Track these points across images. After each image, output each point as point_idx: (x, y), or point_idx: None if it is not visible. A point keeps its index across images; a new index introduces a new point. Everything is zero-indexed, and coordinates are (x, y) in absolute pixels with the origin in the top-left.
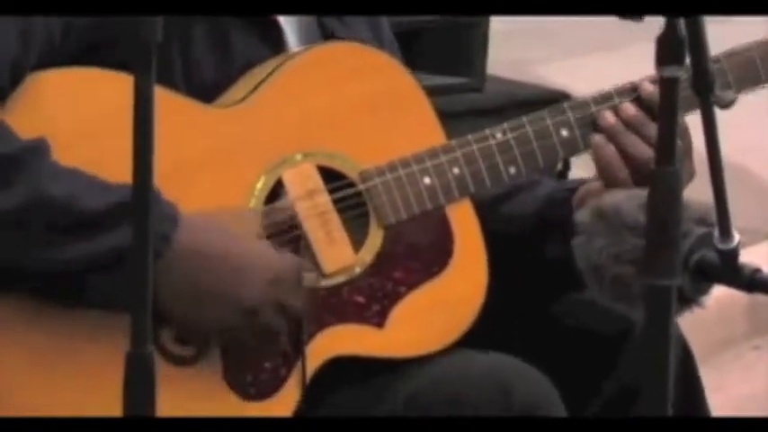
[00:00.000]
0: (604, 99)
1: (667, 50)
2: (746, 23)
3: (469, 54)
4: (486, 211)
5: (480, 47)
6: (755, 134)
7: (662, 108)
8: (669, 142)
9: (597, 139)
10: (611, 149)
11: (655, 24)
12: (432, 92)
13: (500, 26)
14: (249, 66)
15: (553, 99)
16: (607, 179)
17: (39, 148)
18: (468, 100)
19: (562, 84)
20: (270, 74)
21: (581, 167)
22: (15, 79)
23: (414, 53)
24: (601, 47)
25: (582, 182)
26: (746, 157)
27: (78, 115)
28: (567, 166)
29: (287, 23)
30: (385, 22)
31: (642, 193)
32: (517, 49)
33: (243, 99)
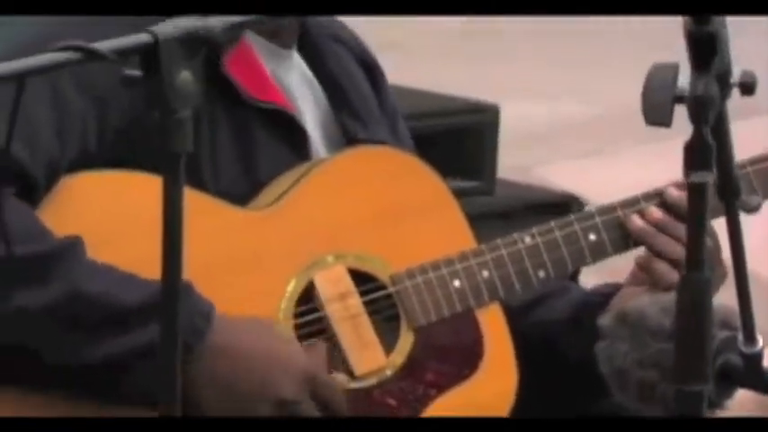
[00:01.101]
0: (631, 204)
1: (695, 156)
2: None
3: (480, 158)
4: (517, 315)
5: (490, 151)
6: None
7: (690, 213)
8: (698, 248)
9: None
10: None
11: (651, 131)
12: None
13: (503, 129)
14: (275, 170)
15: (562, 202)
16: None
17: (74, 246)
18: (479, 203)
19: (566, 186)
20: (299, 178)
21: (591, 272)
22: (50, 179)
23: (424, 157)
24: (600, 151)
25: (617, 287)
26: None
27: (111, 216)
28: (576, 270)
29: (311, 127)
30: (401, 122)
31: (665, 298)
32: (520, 153)
33: (273, 202)
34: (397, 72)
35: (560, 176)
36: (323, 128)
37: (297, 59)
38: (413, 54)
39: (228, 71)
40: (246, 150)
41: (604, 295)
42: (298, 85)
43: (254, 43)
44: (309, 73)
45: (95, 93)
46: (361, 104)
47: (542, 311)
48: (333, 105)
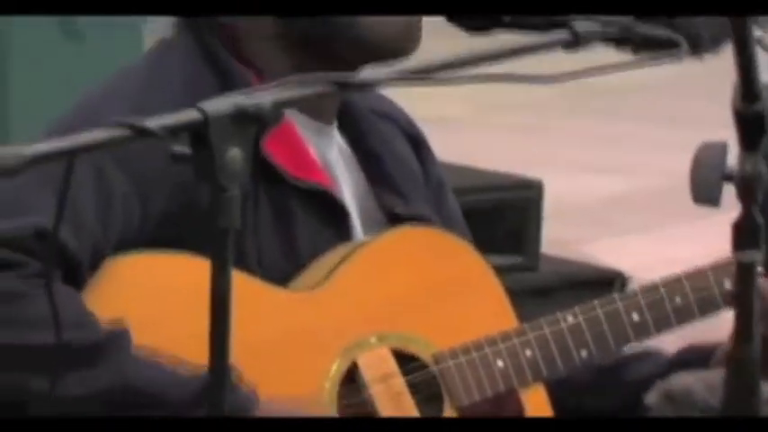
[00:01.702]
0: (673, 282)
1: (744, 236)
2: None
3: (523, 233)
4: (598, 379)
5: (534, 227)
6: None
7: (738, 292)
8: (746, 326)
9: None
10: None
11: (696, 207)
12: None
13: (546, 203)
14: (316, 249)
15: (606, 278)
16: None
17: (122, 336)
18: (522, 279)
19: (609, 262)
20: (342, 260)
21: None
22: (95, 262)
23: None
24: (645, 227)
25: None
26: None
27: (156, 298)
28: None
29: (350, 204)
30: (450, 195)
31: (711, 375)
32: (563, 227)
33: (317, 284)
34: (439, 146)
35: (604, 252)
36: (361, 204)
37: (337, 135)
38: (451, 128)
39: (269, 150)
40: (287, 230)
41: (702, 352)
42: (338, 162)
43: (296, 119)
44: (348, 149)
45: (138, 174)
46: (403, 180)
47: (627, 374)
48: (372, 181)
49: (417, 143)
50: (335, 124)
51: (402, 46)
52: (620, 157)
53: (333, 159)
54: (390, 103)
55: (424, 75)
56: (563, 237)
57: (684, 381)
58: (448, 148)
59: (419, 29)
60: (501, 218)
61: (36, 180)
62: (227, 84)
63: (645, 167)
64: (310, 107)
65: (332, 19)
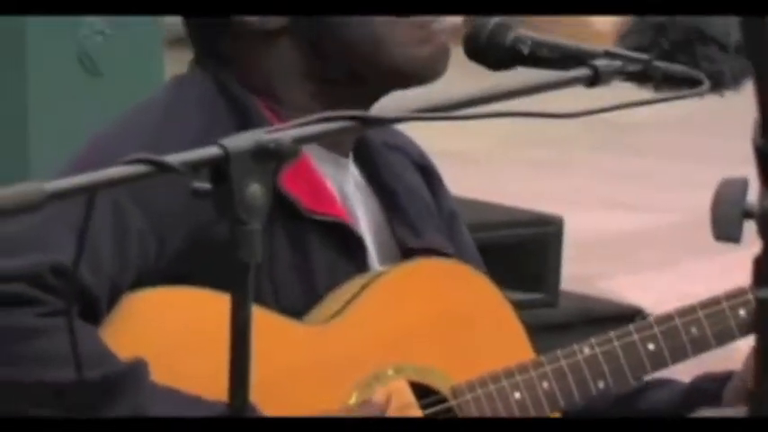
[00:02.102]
0: (688, 313)
1: (764, 272)
2: None
3: (543, 270)
4: (618, 406)
5: (554, 263)
6: None
7: (759, 327)
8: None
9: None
10: None
11: (714, 245)
12: None
13: (566, 241)
14: (333, 281)
15: (625, 314)
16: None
17: (139, 369)
18: (542, 315)
19: (629, 298)
20: (358, 293)
21: None
22: (112, 298)
23: (486, 268)
24: (664, 263)
25: (727, 375)
26: None
27: (173, 333)
28: None
29: (366, 236)
30: (462, 225)
31: (729, 413)
32: (582, 263)
33: (333, 316)
34: (459, 180)
35: (624, 288)
36: (378, 237)
37: (353, 168)
38: (472, 162)
39: (285, 183)
40: (304, 263)
41: (716, 380)
42: (354, 194)
43: (312, 151)
44: (363, 181)
45: (154, 211)
46: (416, 212)
47: (644, 402)
48: (386, 214)
49: (428, 174)
50: (351, 157)
51: (428, 73)
52: (641, 193)
53: (349, 192)
54: (402, 135)
55: (445, 111)
56: (583, 272)
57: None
58: (468, 182)
59: (446, 54)
60: (521, 254)
61: (53, 216)
62: (243, 120)
63: (665, 203)
64: (328, 140)
65: (355, 47)
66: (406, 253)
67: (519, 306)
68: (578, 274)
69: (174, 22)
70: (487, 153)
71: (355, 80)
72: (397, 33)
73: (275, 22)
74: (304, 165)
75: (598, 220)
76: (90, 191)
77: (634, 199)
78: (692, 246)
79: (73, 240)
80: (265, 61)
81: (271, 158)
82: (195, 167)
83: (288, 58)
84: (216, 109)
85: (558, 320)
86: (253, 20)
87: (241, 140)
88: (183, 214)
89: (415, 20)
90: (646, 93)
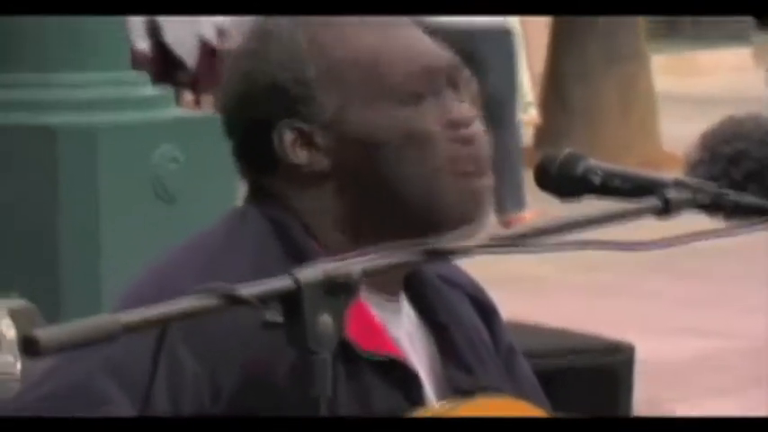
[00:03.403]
0: None
1: None
2: None
3: (615, 397)
4: None
5: (625, 390)
6: None
7: None
8: None
9: None
10: None
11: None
12: None
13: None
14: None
15: None
16: None
17: None
18: None
19: None
20: None
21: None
22: None
23: (557, 396)
24: (733, 388)
25: None
26: None
27: None
28: None
29: (422, 373)
30: (520, 360)
31: None
32: (651, 389)
33: None
34: (523, 306)
35: (692, 413)
36: (433, 375)
37: (406, 306)
38: (539, 287)
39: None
40: (362, 403)
41: None
42: (408, 332)
43: (363, 294)
44: (417, 317)
45: (207, 351)
46: (470, 350)
47: None
48: (440, 349)
49: (484, 308)
50: (402, 296)
51: (471, 220)
52: (708, 319)
53: (400, 334)
54: (456, 267)
55: (515, 242)
56: (651, 397)
57: None
58: (531, 308)
59: (487, 204)
60: (592, 382)
61: (104, 366)
62: (296, 256)
63: (732, 329)
64: (374, 283)
65: (404, 197)
66: (459, 390)
67: None
68: (646, 398)
69: None
70: (550, 277)
71: (400, 225)
72: (444, 181)
73: (322, 165)
74: (357, 305)
75: (663, 345)
76: (164, 323)
77: (700, 324)
78: (763, 372)
79: (123, 392)
80: (311, 201)
81: (340, 290)
82: (266, 299)
83: (333, 201)
84: (269, 245)
85: None
86: (301, 161)
87: (311, 272)
88: (238, 355)
89: (459, 171)
90: (716, 222)
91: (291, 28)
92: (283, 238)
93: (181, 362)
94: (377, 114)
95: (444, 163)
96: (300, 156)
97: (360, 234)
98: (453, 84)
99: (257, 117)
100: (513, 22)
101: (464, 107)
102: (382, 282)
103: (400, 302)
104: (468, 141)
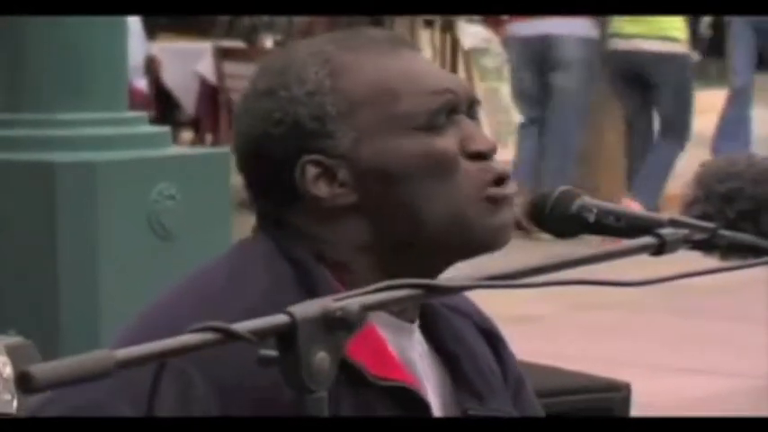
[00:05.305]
0: None
1: None
2: None
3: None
4: None
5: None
6: None
7: None
8: None
9: None
10: None
11: None
12: None
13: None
14: None
15: None
16: None
17: None
18: None
19: None
20: None
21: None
22: None
23: None
24: None
25: None
26: None
27: None
28: None
29: (432, 400)
30: (527, 390)
31: None
32: None
33: None
34: (522, 345)
35: None
36: (442, 401)
37: (417, 333)
38: (538, 326)
39: (350, 350)
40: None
41: None
42: (419, 359)
43: (376, 317)
44: (428, 346)
45: (218, 378)
46: (479, 378)
47: None
48: (451, 379)
49: (493, 339)
50: (417, 322)
51: (496, 244)
52: (707, 358)
53: (414, 357)
54: (465, 299)
55: (510, 280)
56: None
57: None
58: (531, 347)
59: (512, 224)
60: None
61: (118, 388)
62: (309, 289)
63: (732, 368)
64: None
65: (429, 225)
66: (469, 419)
67: None
68: None
69: (240, 186)
70: (549, 317)
71: (425, 254)
72: (472, 209)
73: (346, 198)
74: (368, 330)
75: (663, 384)
76: (159, 359)
77: (700, 363)
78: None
79: (131, 413)
80: (333, 234)
81: (338, 327)
82: (263, 335)
83: (357, 233)
84: (281, 276)
85: None
86: (324, 196)
87: (308, 308)
88: (248, 384)
89: (484, 194)
90: (711, 261)
91: (307, 62)
92: (294, 265)
93: (193, 385)
94: (397, 144)
95: (470, 191)
96: (323, 189)
97: (385, 264)
98: (469, 110)
99: (277, 154)
100: None
101: (483, 134)
102: (400, 307)
103: (415, 328)
104: (490, 168)
